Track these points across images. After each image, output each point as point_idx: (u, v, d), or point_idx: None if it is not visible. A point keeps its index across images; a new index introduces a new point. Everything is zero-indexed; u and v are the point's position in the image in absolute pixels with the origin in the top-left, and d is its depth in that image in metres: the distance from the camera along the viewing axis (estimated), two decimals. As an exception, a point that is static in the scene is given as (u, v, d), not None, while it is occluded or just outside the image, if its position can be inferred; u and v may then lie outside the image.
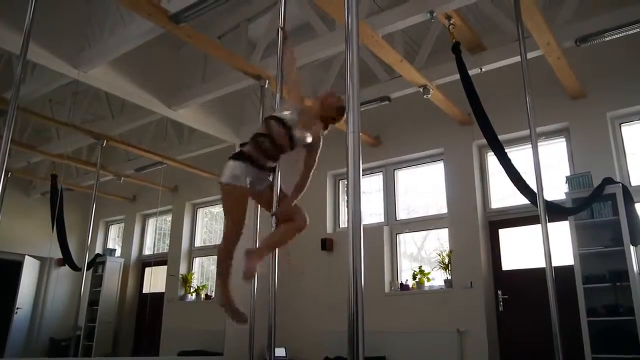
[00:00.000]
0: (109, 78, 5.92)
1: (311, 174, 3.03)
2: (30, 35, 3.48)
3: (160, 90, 6.48)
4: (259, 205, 3.08)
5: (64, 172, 6.06)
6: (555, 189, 5.71)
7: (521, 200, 4.99)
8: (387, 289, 6.78)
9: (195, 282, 7.26)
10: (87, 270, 6.04)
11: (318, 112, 3.08)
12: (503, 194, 6.39)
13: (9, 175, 5.77)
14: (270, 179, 2.99)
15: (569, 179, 5.48)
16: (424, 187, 7.22)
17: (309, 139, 2.94)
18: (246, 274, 2.81)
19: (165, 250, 7.44)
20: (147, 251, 7.23)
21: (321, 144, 3.05)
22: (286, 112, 2.95)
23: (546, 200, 4.15)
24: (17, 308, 5.63)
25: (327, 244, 7.26)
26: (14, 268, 5.71)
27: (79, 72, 5.57)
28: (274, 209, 2.92)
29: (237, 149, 2.95)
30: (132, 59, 5.78)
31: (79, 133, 6.28)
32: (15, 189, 6.01)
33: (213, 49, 5.36)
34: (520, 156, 6.02)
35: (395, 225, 7.16)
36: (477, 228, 6.25)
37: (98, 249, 6.71)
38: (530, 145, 4.20)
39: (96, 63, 5.57)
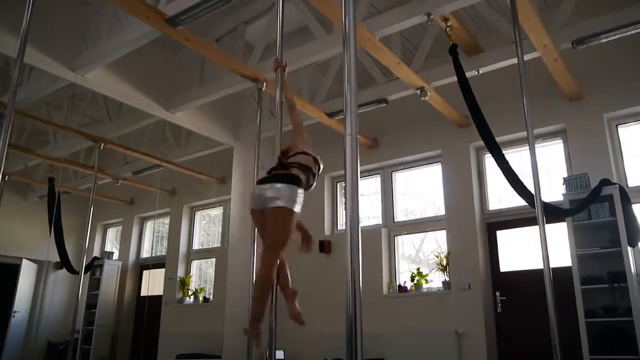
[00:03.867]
0: (106, 81, 5.92)
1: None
2: (27, 39, 3.47)
3: (157, 93, 6.48)
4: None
5: (61, 175, 6.06)
6: (553, 191, 5.72)
7: (519, 201, 5.00)
8: (385, 291, 6.78)
9: (193, 285, 7.25)
10: (84, 273, 6.02)
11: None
12: (500, 196, 6.40)
13: (6, 179, 5.78)
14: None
15: (566, 181, 5.49)
16: (421, 189, 7.22)
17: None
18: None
19: (163, 253, 7.43)
20: (145, 254, 7.22)
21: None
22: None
23: (544, 202, 4.16)
24: (15, 312, 5.61)
25: (325, 246, 7.25)
26: (11, 271, 5.69)
27: (77, 75, 5.57)
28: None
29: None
30: (130, 62, 5.78)
31: (76, 136, 6.28)
32: (12, 192, 6.00)
33: (210, 51, 5.36)
34: (517, 158, 6.04)
35: (393, 227, 7.17)
36: (474, 230, 6.26)
37: (96, 252, 6.71)
38: (528, 147, 4.21)
39: (93, 66, 5.57)
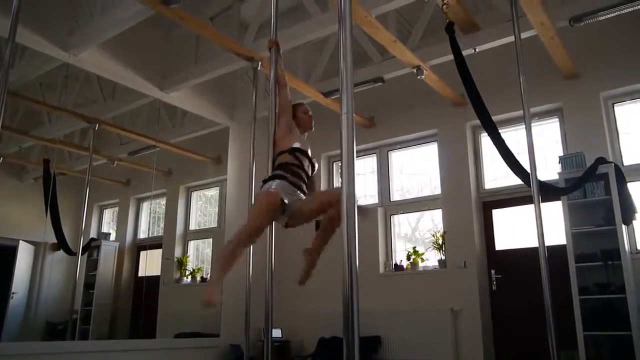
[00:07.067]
0: (100, 61, 5.86)
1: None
2: (18, 18, 3.43)
3: (152, 73, 6.42)
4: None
5: (56, 156, 6.01)
6: (548, 169, 5.74)
7: (514, 180, 5.01)
8: (381, 270, 6.83)
9: (190, 265, 7.28)
10: (82, 254, 6.03)
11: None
12: (496, 175, 6.41)
13: (0, 161, 5.75)
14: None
15: (561, 159, 5.50)
16: (418, 168, 7.23)
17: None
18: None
19: (160, 234, 7.44)
20: (142, 235, 7.22)
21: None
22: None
23: (539, 181, 4.17)
24: (13, 293, 5.63)
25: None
26: (8, 253, 5.70)
27: (70, 55, 5.51)
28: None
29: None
30: (123, 42, 5.71)
31: (70, 117, 6.23)
32: (7, 174, 5.98)
33: (205, 30, 5.29)
34: (513, 136, 6.04)
35: (389, 206, 7.19)
36: (470, 208, 6.28)
37: (92, 233, 6.70)
38: (524, 126, 4.21)
39: (87, 46, 5.50)
